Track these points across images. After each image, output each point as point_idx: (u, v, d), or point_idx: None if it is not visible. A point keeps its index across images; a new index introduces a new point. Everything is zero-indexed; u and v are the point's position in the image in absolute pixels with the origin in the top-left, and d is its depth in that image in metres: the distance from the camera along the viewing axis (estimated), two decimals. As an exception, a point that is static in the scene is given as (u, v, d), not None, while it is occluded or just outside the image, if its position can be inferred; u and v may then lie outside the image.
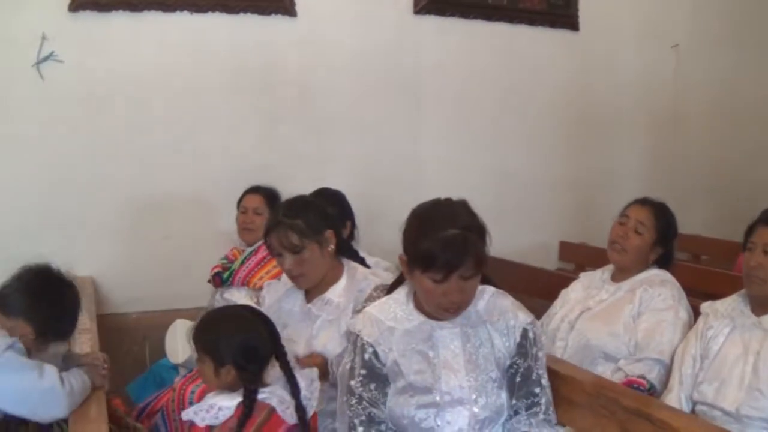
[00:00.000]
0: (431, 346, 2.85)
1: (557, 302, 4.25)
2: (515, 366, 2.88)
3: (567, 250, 6.73)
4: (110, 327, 4.95)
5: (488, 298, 2.95)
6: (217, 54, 5.56)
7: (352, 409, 2.82)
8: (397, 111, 6.16)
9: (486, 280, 2.96)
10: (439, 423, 2.79)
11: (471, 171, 6.25)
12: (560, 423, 2.99)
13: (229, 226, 5.09)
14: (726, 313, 3.52)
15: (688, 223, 5.94)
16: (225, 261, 4.96)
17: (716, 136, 7.44)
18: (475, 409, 2.80)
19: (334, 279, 3.51)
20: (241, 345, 2.85)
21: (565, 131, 6.82)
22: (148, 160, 5.40)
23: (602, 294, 4.00)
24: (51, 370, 2.91)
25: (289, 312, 3.56)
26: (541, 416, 2.86)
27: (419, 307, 2.91)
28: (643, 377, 3.60)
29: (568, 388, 3.01)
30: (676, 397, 3.49)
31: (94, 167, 5.27)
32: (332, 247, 3.45)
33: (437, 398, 2.80)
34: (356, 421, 2.80)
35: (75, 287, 3.21)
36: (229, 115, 5.62)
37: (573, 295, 4.17)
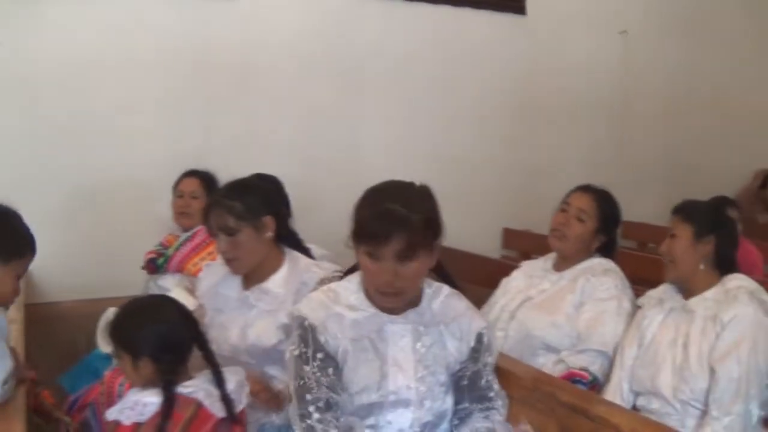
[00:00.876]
0: (381, 339, 2.75)
1: (498, 291, 4.18)
2: (463, 370, 2.80)
3: (510, 237, 6.69)
4: (43, 316, 4.83)
5: (443, 298, 2.85)
6: (153, 35, 5.41)
7: (312, 393, 2.66)
8: (338, 95, 6.07)
9: (445, 279, 2.89)
10: (380, 422, 2.71)
11: (413, 156, 6.18)
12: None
13: (166, 212, 4.98)
14: (658, 297, 3.60)
15: (637, 212, 5.97)
16: (160, 247, 4.87)
17: (665, 123, 7.49)
18: (420, 413, 2.72)
19: (275, 268, 3.42)
20: (155, 335, 2.75)
21: (511, 116, 6.79)
22: (83, 145, 5.25)
23: (544, 283, 3.96)
24: (5, 367, 2.81)
25: (225, 297, 3.47)
26: (498, 417, 2.80)
27: (371, 297, 2.79)
28: (585, 369, 3.59)
29: (505, 383, 2.94)
30: (618, 390, 3.52)
31: (26, 152, 5.11)
32: (270, 233, 3.37)
33: (382, 396, 2.70)
34: (311, 408, 2.65)
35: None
36: (166, 98, 5.49)
37: (514, 284, 4.11)
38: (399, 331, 2.76)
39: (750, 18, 8.00)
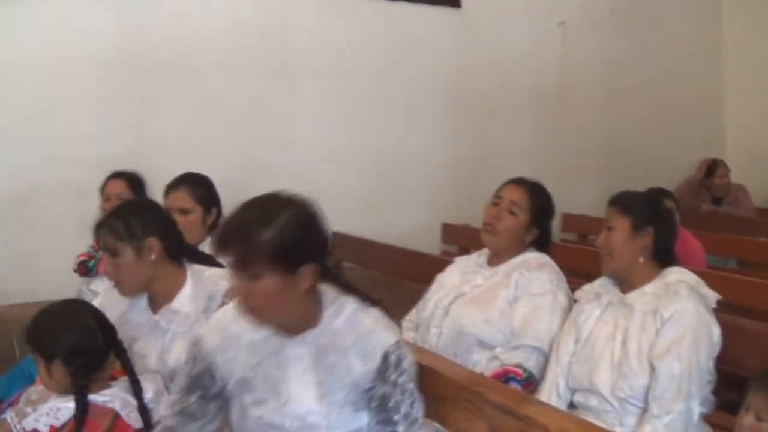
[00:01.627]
0: (280, 363, 2.61)
1: (432, 287, 4.09)
2: (372, 390, 2.62)
3: (450, 232, 6.67)
4: (-25, 322, 4.77)
5: (348, 314, 2.66)
6: (82, 34, 5.38)
7: (171, 408, 2.67)
8: (271, 92, 6.06)
9: (353, 291, 2.73)
10: None
11: (349, 153, 6.14)
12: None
13: (97, 214, 4.85)
14: (595, 291, 3.56)
15: (578, 203, 5.98)
16: (91, 249, 4.81)
17: (604, 114, 7.57)
18: None
19: (178, 287, 3.29)
20: (66, 339, 2.74)
21: (449, 110, 6.82)
22: (10, 147, 5.22)
23: (477, 279, 3.88)
24: None
25: (136, 324, 3.32)
26: None
27: None
28: (520, 366, 3.53)
29: (434, 382, 2.84)
30: (554, 386, 3.49)
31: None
32: (154, 256, 3.21)
33: (286, 423, 2.57)
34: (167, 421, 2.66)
35: None
36: (96, 98, 5.45)
37: (448, 280, 4.02)
38: (297, 354, 2.62)
39: (686, 8, 8.07)
